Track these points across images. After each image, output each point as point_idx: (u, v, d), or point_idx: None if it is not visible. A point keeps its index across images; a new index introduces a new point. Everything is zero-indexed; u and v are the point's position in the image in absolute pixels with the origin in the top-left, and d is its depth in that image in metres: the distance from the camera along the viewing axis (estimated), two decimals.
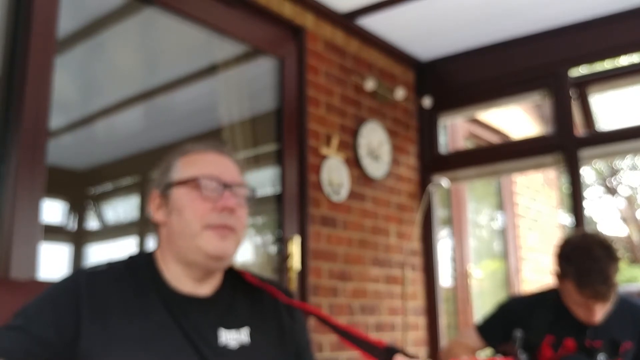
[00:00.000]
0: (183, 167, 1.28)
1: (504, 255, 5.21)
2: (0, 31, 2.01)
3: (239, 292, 1.32)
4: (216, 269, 1.28)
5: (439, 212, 3.89)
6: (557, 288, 2.12)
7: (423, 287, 3.62)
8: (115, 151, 3.20)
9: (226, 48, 2.91)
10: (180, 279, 1.25)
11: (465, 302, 4.37)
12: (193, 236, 1.22)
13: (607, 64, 3.50)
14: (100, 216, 3.24)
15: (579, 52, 3.38)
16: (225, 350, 1.21)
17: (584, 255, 1.98)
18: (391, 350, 1.16)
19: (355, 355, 2.80)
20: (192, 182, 1.24)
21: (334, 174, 3.07)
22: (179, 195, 1.25)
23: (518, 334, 1.94)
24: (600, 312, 1.98)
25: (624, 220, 11.95)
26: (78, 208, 3.11)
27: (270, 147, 3.02)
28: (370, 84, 3.36)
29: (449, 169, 3.73)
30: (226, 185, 1.25)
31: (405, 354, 1.13)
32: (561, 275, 2.05)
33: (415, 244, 3.61)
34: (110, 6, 2.62)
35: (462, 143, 4.54)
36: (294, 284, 2.78)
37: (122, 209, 3.33)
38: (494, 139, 4.96)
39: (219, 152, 1.32)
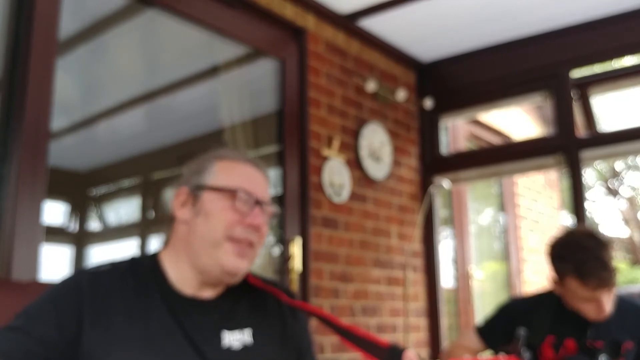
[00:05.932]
0: (219, 173, 1.28)
1: (505, 257, 5.21)
2: (2, 33, 2.02)
3: (243, 294, 1.33)
4: (227, 283, 1.29)
5: (440, 214, 3.88)
6: (557, 292, 2.11)
7: (424, 288, 3.61)
8: (117, 152, 3.20)
9: (227, 49, 2.91)
10: (186, 281, 1.26)
11: (466, 304, 4.36)
12: (214, 244, 1.22)
13: (608, 65, 3.50)
14: (101, 217, 3.25)
15: (580, 53, 3.38)
16: (228, 352, 1.21)
17: (576, 248, 1.98)
18: (395, 351, 1.16)
19: (356, 357, 2.80)
20: (228, 192, 1.25)
21: (335, 176, 3.07)
22: (211, 199, 1.25)
23: (521, 331, 1.94)
24: (608, 303, 1.97)
25: (626, 221, 11.93)
26: (79, 209, 3.11)
27: (271, 149, 3.02)
28: (371, 86, 3.36)
29: (450, 170, 3.73)
30: (257, 202, 1.26)
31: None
32: (560, 277, 2.04)
33: (417, 245, 3.61)
34: (112, 8, 2.63)
35: (464, 144, 4.54)
36: (295, 286, 2.78)
37: (123, 210, 3.33)
38: (495, 140, 4.96)
39: (255, 166, 1.33)
